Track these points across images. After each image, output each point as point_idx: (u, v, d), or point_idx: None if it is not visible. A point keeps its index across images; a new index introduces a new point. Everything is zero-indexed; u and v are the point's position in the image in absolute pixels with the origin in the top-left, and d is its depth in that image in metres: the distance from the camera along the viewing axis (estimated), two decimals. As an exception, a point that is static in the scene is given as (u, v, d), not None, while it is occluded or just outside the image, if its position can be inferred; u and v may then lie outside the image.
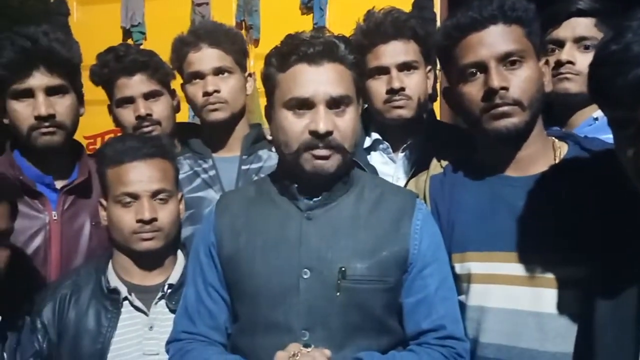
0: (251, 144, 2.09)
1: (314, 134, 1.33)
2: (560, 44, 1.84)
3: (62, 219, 1.85)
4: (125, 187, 1.62)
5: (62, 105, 1.82)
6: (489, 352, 1.39)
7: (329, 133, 1.33)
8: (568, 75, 1.80)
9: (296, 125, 1.36)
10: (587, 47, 1.80)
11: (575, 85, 1.79)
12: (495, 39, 1.39)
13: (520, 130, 1.41)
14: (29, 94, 1.78)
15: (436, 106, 3.06)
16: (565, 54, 1.81)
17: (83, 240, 1.87)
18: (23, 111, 1.78)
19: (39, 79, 1.77)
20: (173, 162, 1.74)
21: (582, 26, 1.81)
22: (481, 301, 1.42)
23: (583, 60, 1.75)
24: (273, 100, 1.42)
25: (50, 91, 1.80)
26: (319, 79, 1.34)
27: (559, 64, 1.81)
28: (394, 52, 1.87)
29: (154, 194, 1.64)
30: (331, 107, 1.35)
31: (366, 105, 2.00)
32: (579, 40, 1.81)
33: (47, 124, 1.78)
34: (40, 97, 1.77)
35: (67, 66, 1.84)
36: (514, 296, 1.38)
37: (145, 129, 2.06)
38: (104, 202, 1.70)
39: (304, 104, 1.35)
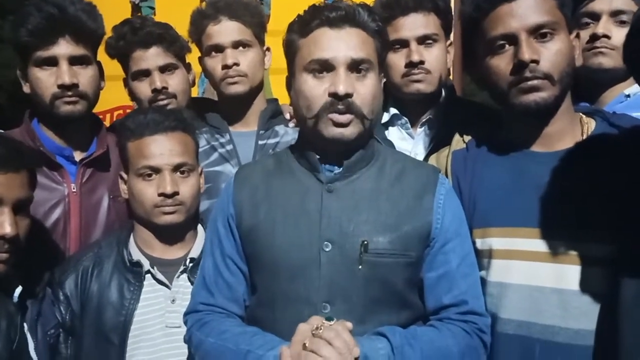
0: (268, 119, 2.08)
1: (333, 95, 1.32)
2: (596, 17, 1.79)
3: (81, 192, 1.85)
4: (147, 160, 1.61)
5: (85, 76, 1.81)
6: (510, 328, 1.39)
7: (349, 95, 1.32)
8: (603, 50, 1.77)
9: (316, 89, 1.34)
10: (623, 22, 1.75)
11: (610, 60, 1.76)
12: (527, 10, 1.35)
13: (549, 105, 1.38)
14: (53, 62, 1.76)
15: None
16: (601, 28, 1.77)
17: (102, 213, 1.87)
18: (46, 79, 1.77)
19: (64, 48, 1.76)
20: (194, 136, 1.73)
21: None
22: (502, 277, 1.42)
23: (619, 35, 1.72)
24: (294, 67, 1.41)
25: (74, 61, 1.79)
26: (340, 42, 1.33)
27: (594, 37, 1.77)
28: (414, 24, 1.84)
29: (176, 168, 1.63)
30: (352, 70, 1.34)
31: (384, 80, 1.98)
32: (615, 14, 1.77)
33: (70, 93, 1.77)
34: (64, 66, 1.76)
35: (91, 37, 1.82)
36: (536, 273, 1.38)
37: (161, 102, 2.05)
38: (124, 175, 1.70)
39: (325, 67, 1.34)
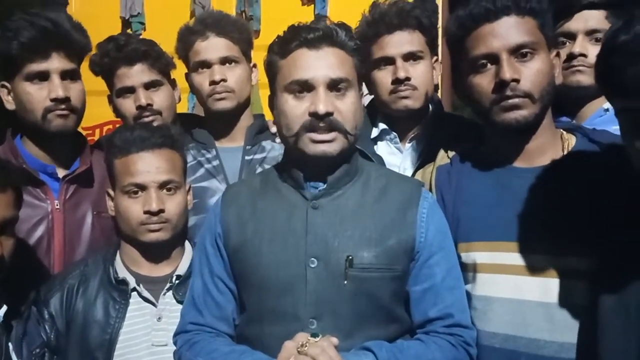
0: (255, 135, 2.09)
1: (314, 115, 1.34)
2: (572, 36, 1.83)
3: (65, 208, 1.84)
4: (133, 177, 1.61)
5: (75, 90, 1.82)
6: (496, 342, 1.40)
7: (329, 114, 1.34)
8: (580, 68, 1.80)
9: (297, 108, 1.37)
10: (598, 40, 1.79)
11: (588, 77, 1.79)
12: (508, 30, 1.38)
13: (530, 122, 1.41)
14: (44, 76, 1.77)
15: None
16: (577, 47, 1.81)
17: (85, 229, 1.87)
18: (38, 94, 1.77)
19: (56, 62, 1.77)
20: (181, 153, 1.73)
21: (594, 19, 1.80)
22: (487, 291, 1.43)
23: (595, 53, 1.72)
24: (275, 87, 1.44)
25: (65, 75, 1.80)
26: (319, 62, 1.36)
27: (571, 56, 1.81)
28: (399, 42, 1.87)
29: (162, 185, 1.63)
30: (331, 89, 1.36)
31: (372, 97, 2.00)
32: (590, 33, 1.81)
33: (62, 106, 1.77)
34: (56, 80, 1.77)
35: (81, 53, 1.85)
36: (521, 286, 1.39)
37: (146, 119, 2.05)
38: (111, 192, 1.69)
39: (304, 87, 1.36)
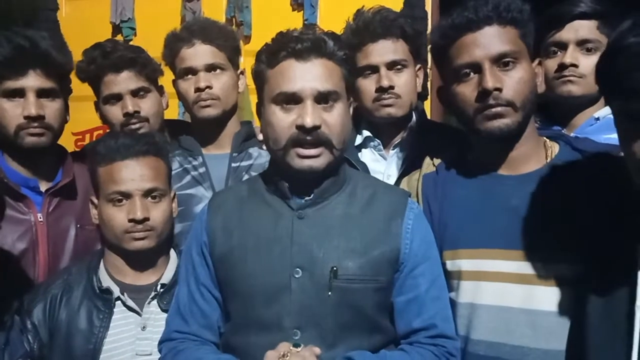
0: (241, 142, 2.09)
1: (301, 128, 1.33)
2: (563, 46, 1.84)
3: (48, 221, 1.84)
4: (117, 185, 1.60)
5: (51, 109, 1.82)
6: (480, 349, 1.41)
7: (316, 127, 1.33)
8: (572, 78, 1.81)
9: (284, 121, 1.35)
10: (589, 50, 1.81)
11: (579, 87, 1.81)
12: (490, 39, 1.39)
13: (512, 130, 1.42)
14: (20, 93, 1.77)
15: (426, 105, 3.08)
16: (568, 57, 1.82)
17: (69, 241, 1.87)
18: (12, 110, 1.77)
19: (32, 80, 1.77)
20: (166, 160, 1.72)
21: (585, 29, 1.81)
22: (472, 298, 1.44)
23: (586, 63, 1.78)
24: (262, 97, 1.43)
25: (42, 93, 1.80)
26: (307, 74, 1.35)
27: (562, 66, 1.82)
28: (383, 50, 1.89)
29: (147, 193, 1.62)
30: (319, 102, 1.35)
31: (356, 104, 2.01)
32: (581, 43, 1.82)
33: (35, 124, 1.77)
34: (31, 98, 1.77)
35: (60, 71, 1.84)
36: (505, 293, 1.40)
37: (133, 126, 2.05)
38: (95, 200, 1.68)
39: (292, 99, 1.35)
